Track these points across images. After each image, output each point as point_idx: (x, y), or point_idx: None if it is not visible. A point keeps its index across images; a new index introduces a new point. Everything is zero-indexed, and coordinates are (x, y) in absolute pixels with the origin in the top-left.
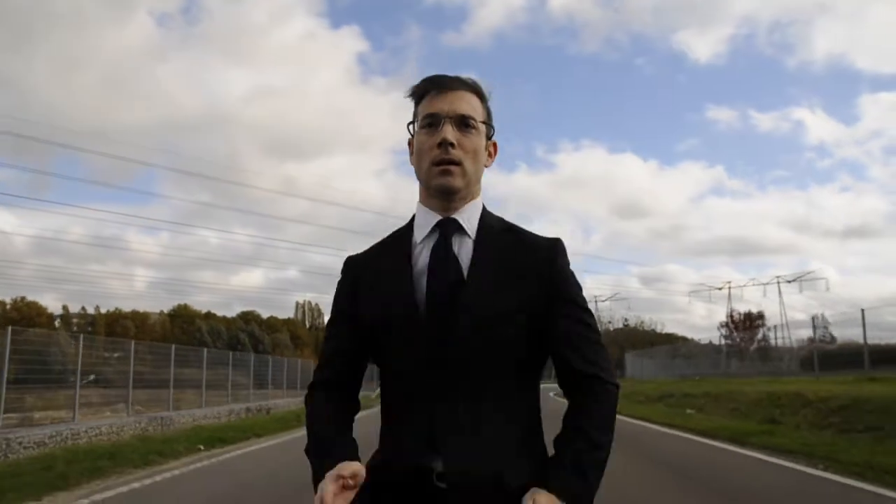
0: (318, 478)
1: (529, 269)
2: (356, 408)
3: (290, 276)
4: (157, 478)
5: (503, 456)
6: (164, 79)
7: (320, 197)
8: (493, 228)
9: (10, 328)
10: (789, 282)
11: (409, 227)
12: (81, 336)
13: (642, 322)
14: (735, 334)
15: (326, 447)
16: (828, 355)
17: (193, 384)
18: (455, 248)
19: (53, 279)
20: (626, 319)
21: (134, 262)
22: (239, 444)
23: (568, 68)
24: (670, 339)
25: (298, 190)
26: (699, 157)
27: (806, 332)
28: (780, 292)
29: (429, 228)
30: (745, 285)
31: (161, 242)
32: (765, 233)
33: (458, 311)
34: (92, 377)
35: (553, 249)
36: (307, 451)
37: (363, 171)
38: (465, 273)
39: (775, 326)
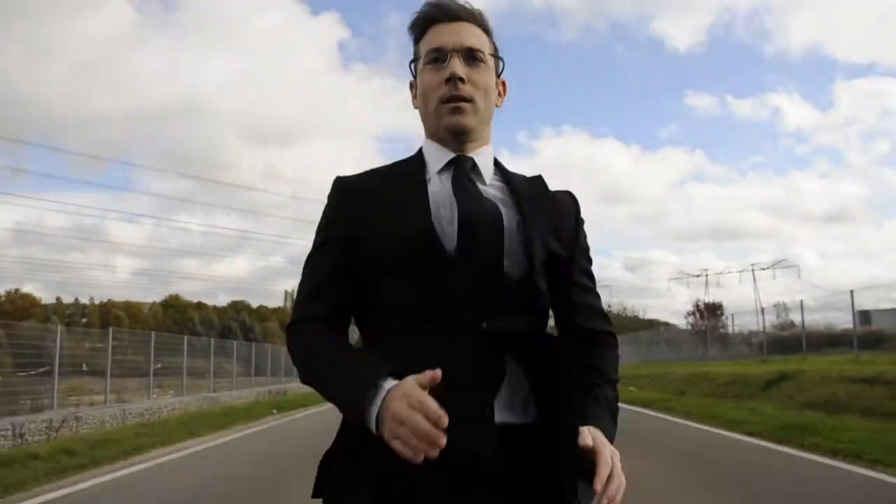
0: (365, 387)
1: (559, 215)
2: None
3: (274, 265)
4: (264, 425)
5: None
6: (141, 66)
7: (302, 184)
8: (510, 174)
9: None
10: (763, 269)
11: (418, 160)
12: (153, 333)
13: (625, 308)
14: (700, 322)
15: (359, 358)
16: (775, 340)
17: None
18: (476, 183)
19: (34, 269)
20: (609, 305)
21: (115, 252)
22: (298, 409)
23: (548, 55)
24: (652, 324)
25: (280, 177)
26: (680, 143)
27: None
28: (754, 279)
29: (442, 164)
30: (721, 273)
31: (143, 231)
32: (746, 218)
33: (492, 252)
34: (84, 367)
35: (576, 201)
36: (315, 378)
37: (346, 158)
38: (498, 204)
39: (732, 315)
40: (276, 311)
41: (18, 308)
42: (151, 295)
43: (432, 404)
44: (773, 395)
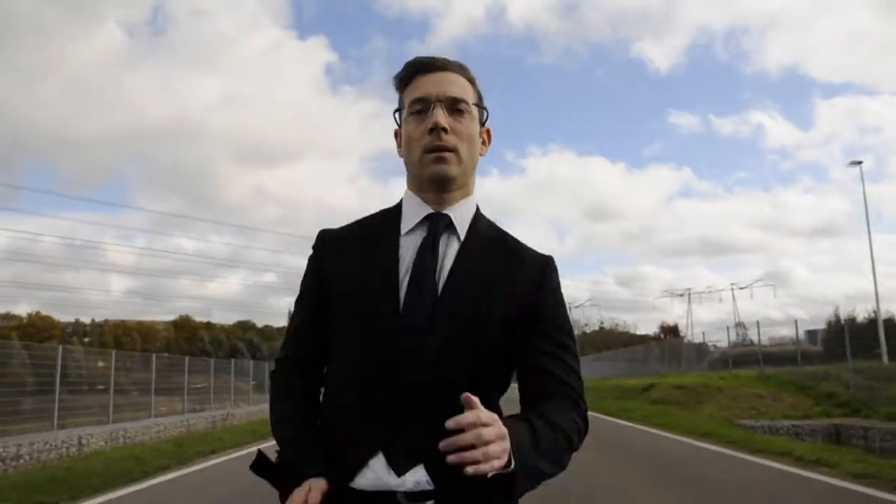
0: (287, 471)
1: (516, 282)
2: (321, 385)
3: (267, 281)
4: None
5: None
6: (133, 88)
7: (293, 203)
8: (484, 233)
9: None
10: (741, 288)
11: (395, 213)
12: (220, 360)
13: (616, 325)
14: (664, 341)
15: (299, 445)
16: (724, 356)
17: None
18: (442, 248)
19: (27, 288)
20: (601, 322)
21: (109, 271)
22: None
23: (529, 78)
24: (644, 339)
25: (271, 197)
26: (666, 160)
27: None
28: (733, 297)
29: (417, 220)
30: (702, 292)
31: (137, 250)
32: (734, 233)
33: (435, 319)
34: (101, 386)
35: (545, 265)
36: (277, 434)
37: (337, 178)
38: (445, 277)
39: (704, 332)
40: (281, 330)
41: (39, 330)
42: (144, 313)
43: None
44: (642, 396)
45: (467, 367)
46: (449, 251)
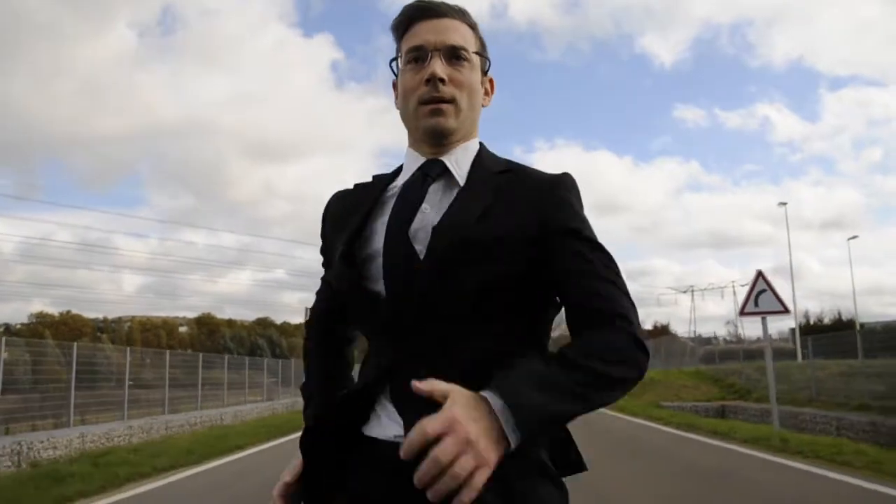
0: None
1: (517, 203)
2: (348, 340)
3: (278, 277)
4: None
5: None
6: (144, 87)
7: (303, 198)
8: (487, 170)
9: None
10: (742, 286)
11: (397, 170)
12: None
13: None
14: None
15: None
16: (711, 352)
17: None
18: (437, 195)
19: (43, 285)
20: None
21: (123, 267)
22: None
23: (534, 73)
24: (652, 334)
25: (281, 192)
26: (673, 154)
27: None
28: (734, 293)
29: (411, 171)
30: (705, 289)
31: (149, 246)
32: (745, 225)
33: (413, 258)
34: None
35: (555, 183)
36: (307, 390)
37: (346, 173)
38: (438, 215)
39: (675, 333)
40: (299, 326)
41: (72, 329)
42: (156, 309)
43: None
44: None
45: (467, 303)
46: (444, 197)
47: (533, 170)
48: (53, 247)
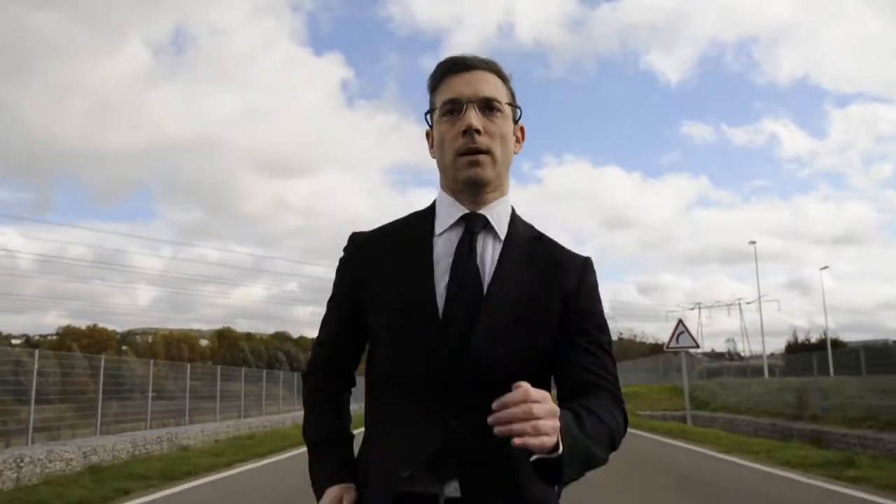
0: (319, 478)
1: (558, 283)
2: (352, 384)
3: (290, 290)
4: None
5: (520, 473)
6: (157, 103)
7: (313, 214)
8: (522, 233)
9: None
10: (748, 303)
11: (429, 214)
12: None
13: (635, 336)
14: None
15: (330, 452)
16: (706, 368)
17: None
18: (479, 248)
19: (57, 297)
20: (620, 333)
21: (136, 280)
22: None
23: (541, 91)
24: (653, 350)
25: (292, 208)
26: (682, 170)
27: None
28: (741, 311)
29: (452, 221)
30: (712, 306)
31: (162, 260)
32: (756, 241)
33: (477, 321)
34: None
35: (585, 264)
36: (310, 441)
37: (356, 189)
38: (489, 278)
39: (669, 349)
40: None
41: (97, 341)
42: (169, 321)
43: None
44: None
45: (512, 369)
46: (487, 251)
47: (561, 246)
48: (68, 260)
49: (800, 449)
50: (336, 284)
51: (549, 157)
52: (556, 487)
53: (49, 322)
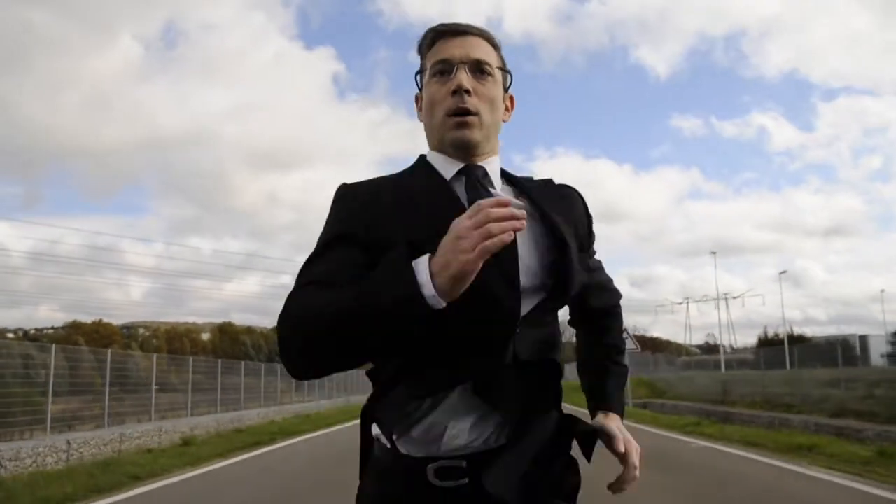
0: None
1: (573, 214)
2: None
3: (284, 283)
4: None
5: (555, 414)
6: (149, 98)
7: (305, 206)
8: (518, 179)
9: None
10: (734, 298)
11: (426, 168)
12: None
13: (626, 329)
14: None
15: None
16: (685, 362)
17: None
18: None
19: (50, 290)
20: None
21: (128, 273)
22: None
23: (531, 85)
24: (654, 343)
25: (284, 201)
26: (673, 162)
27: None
28: (727, 306)
29: (453, 172)
30: (699, 301)
31: (154, 253)
32: (748, 233)
33: (518, 270)
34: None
35: (580, 194)
36: (326, 313)
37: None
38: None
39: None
40: None
41: (103, 336)
42: (163, 315)
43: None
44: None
45: (552, 307)
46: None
47: (551, 181)
48: (61, 253)
49: (698, 422)
50: (336, 226)
51: (541, 151)
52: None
53: (42, 316)
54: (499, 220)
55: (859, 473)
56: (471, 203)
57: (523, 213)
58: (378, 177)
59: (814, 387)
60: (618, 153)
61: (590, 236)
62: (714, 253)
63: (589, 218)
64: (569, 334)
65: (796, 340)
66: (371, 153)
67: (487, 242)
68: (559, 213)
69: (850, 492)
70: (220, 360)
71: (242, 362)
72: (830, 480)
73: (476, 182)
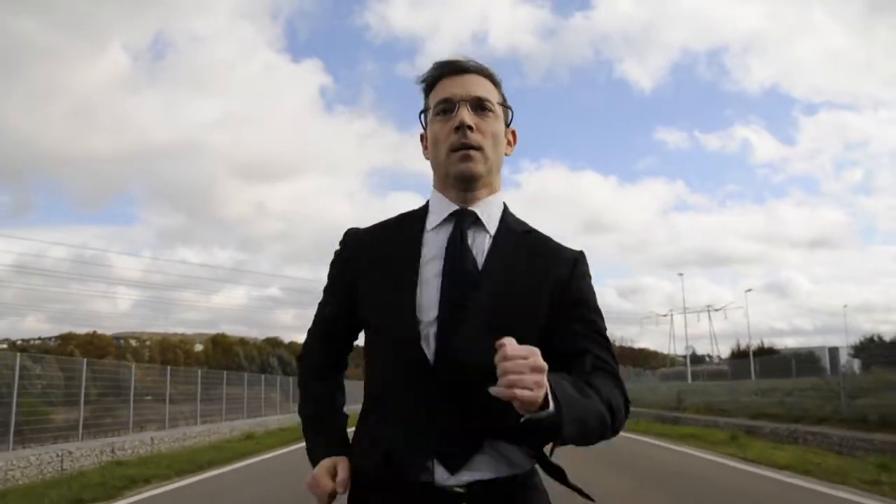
0: (314, 451)
1: (550, 272)
2: (345, 367)
3: (271, 294)
4: None
5: (514, 459)
6: (137, 108)
7: (293, 218)
8: (513, 228)
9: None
10: (716, 310)
11: (421, 212)
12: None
13: (613, 340)
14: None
15: (322, 424)
16: (664, 373)
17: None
18: (469, 242)
19: (35, 300)
20: None
21: (115, 284)
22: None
23: (516, 98)
24: (642, 353)
25: (272, 212)
26: (657, 174)
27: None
28: (710, 319)
29: (443, 216)
30: (682, 312)
31: (142, 264)
32: (733, 244)
33: (468, 312)
34: (149, 397)
35: (577, 256)
36: (305, 416)
37: (336, 193)
38: (479, 268)
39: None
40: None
41: (97, 347)
42: (150, 325)
43: (320, 479)
44: None
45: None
46: (476, 246)
47: (553, 240)
48: (47, 264)
49: (652, 424)
50: (331, 277)
51: (527, 163)
52: (550, 448)
53: (28, 327)
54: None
55: (713, 450)
56: (447, 256)
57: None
58: (382, 221)
59: (744, 395)
60: (603, 165)
61: (568, 300)
62: (681, 274)
63: (573, 280)
64: None
65: (766, 353)
66: (358, 164)
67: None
68: (523, 268)
69: (690, 457)
70: (245, 374)
71: (262, 375)
72: (695, 454)
73: (459, 233)
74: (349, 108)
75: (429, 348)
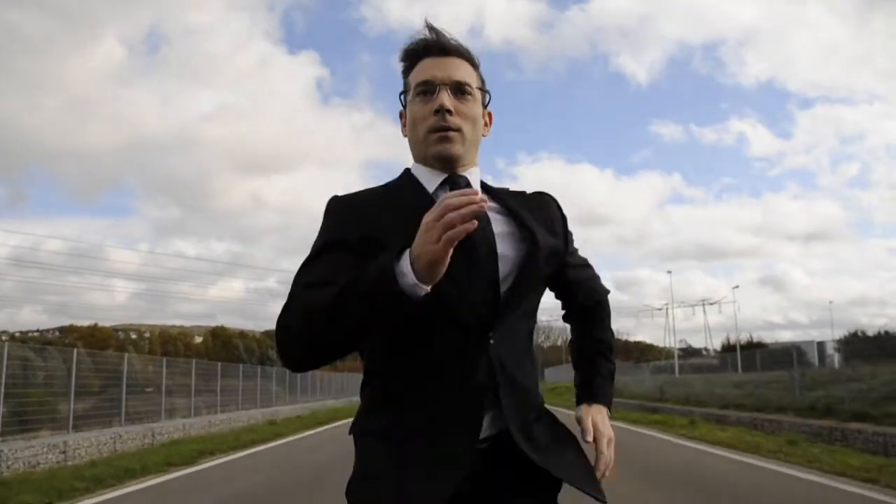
0: (381, 267)
1: (548, 214)
2: None
3: (267, 286)
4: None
5: (537, 399)
6: (133, 100)
7: (290, 210)
8: (496, 190)
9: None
10: (711, 304)
11: (411, 181)
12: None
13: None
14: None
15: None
16: (655, 366)
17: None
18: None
19: (33, 292)
20: None
21: (111, 276)
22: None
23: (511, 92)
24: (638, 347)
25: (270, 204)
26: (654, 167)
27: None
28: (704, 313)
29: (436, 184)
30: (677, 306)
31: (138, 256)
32: (729, 237)
33: (531, 269)
34: (150, 389)
35: (555, 200)
36: (322, 304)
37: (333, 185)
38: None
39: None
40: None
41: (99, 340)
42: (146, 317)
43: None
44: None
45: (529, 309)
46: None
47: (525, 192)
48: (43, 255)
49: (630, 413)
50: (328, 234)
51: (524, 156)
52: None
53: (26, 319)
54: (458, 207)
55: (671, 432)
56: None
57: (481, 197)
58: (366, 188)
59: (720, 387)
60: (599, 158)
61: (566, 235)
62: (669, 272)
63: (564, 218)
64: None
65: (755, 346)
66: (355, 157)
67: (450, 233)
68: (530, 212)
69: (646, 437)
70: (259, 367)
71: (274, 367)
72: (653, 435)
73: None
74: (346, 101)
75: (497, 310)
